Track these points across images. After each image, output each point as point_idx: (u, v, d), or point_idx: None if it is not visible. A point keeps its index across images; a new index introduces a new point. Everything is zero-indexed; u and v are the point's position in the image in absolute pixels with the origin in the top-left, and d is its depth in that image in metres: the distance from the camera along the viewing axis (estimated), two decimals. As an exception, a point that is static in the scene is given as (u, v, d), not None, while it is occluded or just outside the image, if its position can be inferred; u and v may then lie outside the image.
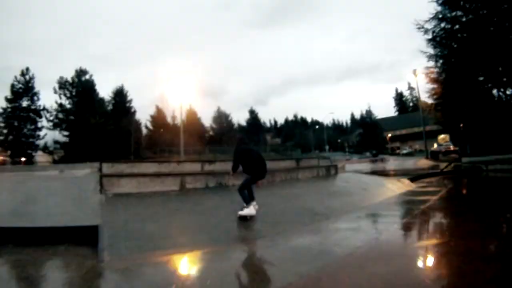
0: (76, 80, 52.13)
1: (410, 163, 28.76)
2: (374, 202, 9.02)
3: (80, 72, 52.96)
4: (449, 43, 23.73)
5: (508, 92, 23.17)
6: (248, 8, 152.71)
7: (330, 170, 12.71)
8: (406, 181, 13.33)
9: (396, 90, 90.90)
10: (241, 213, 6.50)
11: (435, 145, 53.64)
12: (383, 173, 17.66)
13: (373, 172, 18.55)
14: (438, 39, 23.81)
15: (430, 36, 23.84)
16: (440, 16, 23.23)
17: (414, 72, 32.62)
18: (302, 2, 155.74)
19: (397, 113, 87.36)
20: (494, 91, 23.85)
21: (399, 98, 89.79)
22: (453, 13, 23.21)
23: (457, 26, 23.36)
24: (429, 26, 23.60)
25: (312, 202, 8.20)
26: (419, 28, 23.77)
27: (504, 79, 22.25)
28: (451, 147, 39.60)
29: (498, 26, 20.80)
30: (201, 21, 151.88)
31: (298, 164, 12.64)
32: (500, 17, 20.86)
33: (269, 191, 8.74)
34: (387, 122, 78.47)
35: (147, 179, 8.21)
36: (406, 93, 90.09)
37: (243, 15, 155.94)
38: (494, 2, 20.94)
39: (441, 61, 24.85)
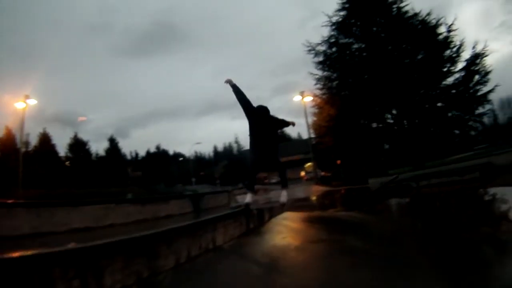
0: None
1: (303, 191, 23.94)
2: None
3: None
4: (340, 66, 22.56)
5: (394, 112, 22.27)
6: (119, 33, 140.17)
7: (264, 215, 6.23)
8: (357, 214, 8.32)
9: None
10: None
11: (303, 173, 53.24)
12: (309, 207, 11.98)
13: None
14: (328, 62, 22.67)
15: (321, 59, 22.71)
16: (333, 40, 22.44)
17: (301, 94, 29.16)
18: (172, 34, 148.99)
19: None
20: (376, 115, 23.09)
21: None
22: (346, 39, 22.67)
23: (348, 52, 22.77)
24: (320, 48, 22.60)
25: None
26: (310, 50, 22.62)
27: (394, 101, 21.34)
28: (323, 173, 39.12)
29: (389, 54, 20.57)
30: (68, 41, 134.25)
31: (198, 206, 6.07)
32: (394, 46, 20.80)
33: None
34: (254, 153, 76.47)
35: None
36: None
37: (113, 40, 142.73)
38: (390, 32, 21.05)
39: (330, 84, 23.35)
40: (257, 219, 5.83)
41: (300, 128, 79.66)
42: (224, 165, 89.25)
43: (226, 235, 4.49)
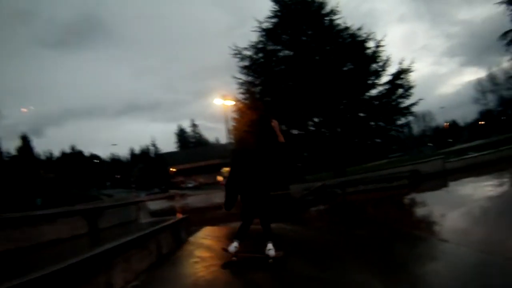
0: None
1: (223, 197, 22.75)
2: None
3: None
4: (266, 72, 21.99)
5: (316, 120, 22.54)
6: (42, 22, 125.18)
7: (180, 235, 4.92)
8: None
9: (179, 127, 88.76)
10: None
11: (220, 177, 52.52)
12: (232, 216, 10.74)
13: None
14: (254, 67, 22.03)
15: (246, 63, 21.98)
16: (261, 46, 21.91)
17: (223, 98, 28.09)
18: (96, 29, 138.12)
19: (179, 148, 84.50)
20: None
21: (182, 134, 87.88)
22: (274, 46, 22.24)
23: (275, 58, 22.35)
24: (247, 53, 21.85)
25: None
26: (236, 54, 21.86)
27: (317, 109, 21.41)
28: None
29: (316, 64, 20.33)
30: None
31: (97, 224, 4.61)
32: (322, 56, 20.81)
33: None
34: (171, 157, 73.54)
35: None
36: (188, 129, 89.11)
37: (35, 30, 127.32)
38: (319, 42, 20.97)
39: (253, 89, 22.63)
40: (172, 241, 4.50)
41: (217, 133, 78.97)
42: (140, 168, 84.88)
43: (129, 271, 3.14)
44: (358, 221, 7.36)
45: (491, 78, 59.21)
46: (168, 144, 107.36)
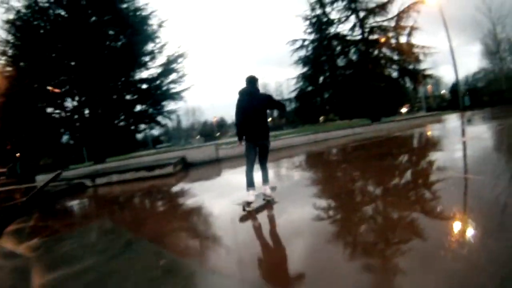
0: None
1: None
2: None
3: None
4: (29, 31, 17.68)
5: (77, 98, 19.07)
6: None
7: None
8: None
9: None
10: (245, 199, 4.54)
11: None
12: None
13: None
14: (19, 23, 17.71)
15: (10, 17, 17.55)
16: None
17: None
18: None
19: None
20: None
21: None
22: (48, 4, 18.01)
23: (45, 17, 18.20)
24: (16, 4, 17.33)
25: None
26: (2, 3, 17.28)
27: (80, 86, 18.45)
28: None
29: (90, 33, 17.49)
30: None
31: None
32: (97, 26, 18.10)
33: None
34: None
35: None
36: None
37: None
38: (98, 8, 18.14)
39: (8, 50, 18.07)
40: None
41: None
42: None
43: None
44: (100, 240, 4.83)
45: (264, 85, 68.13)
46: None
